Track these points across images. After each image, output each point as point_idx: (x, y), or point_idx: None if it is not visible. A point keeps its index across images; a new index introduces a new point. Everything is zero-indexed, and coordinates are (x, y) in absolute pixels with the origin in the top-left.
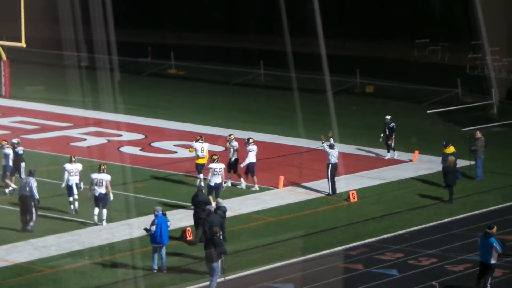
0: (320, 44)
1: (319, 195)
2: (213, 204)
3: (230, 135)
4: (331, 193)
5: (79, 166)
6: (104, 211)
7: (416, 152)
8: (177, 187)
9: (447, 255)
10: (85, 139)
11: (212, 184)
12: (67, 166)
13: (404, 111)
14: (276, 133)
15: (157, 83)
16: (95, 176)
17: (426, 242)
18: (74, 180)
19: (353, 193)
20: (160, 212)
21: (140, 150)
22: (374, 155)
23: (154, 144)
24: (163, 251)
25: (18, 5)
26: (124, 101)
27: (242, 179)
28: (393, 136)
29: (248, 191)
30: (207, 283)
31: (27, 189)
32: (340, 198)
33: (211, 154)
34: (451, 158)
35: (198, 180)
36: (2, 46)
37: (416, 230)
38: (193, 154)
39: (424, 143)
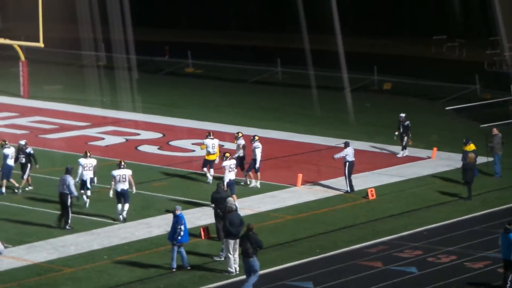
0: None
1: (338, 192)
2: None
3: (238, 132)
4: (349, 190)
5: (93, 161)
6: (126, 205)
7: (435, 149)
8: (196, 185)
9: (467, 252)
10: (103, 138)
11: (227, 180)
12: (82, 160)
13: (421, 108)
14: (293, 131)
15: (175, 82)
16: (117, 172)
17: (445, 239)
18: (88, 174)
19: (371, 190)
20: (180, 211)
21: (158, 148)
22: (392, 153)
23: (172, 143)
24: (182, 249)
25: (36, 5)
26: (142, 100)
27: (252, 179)
28: (408, 134)
29: (266, 189)
30: (226, 281)
31: (65, 186)
32: (358, 195)
33: (223, 151)
34: (471, 155)
35: (209, 177)
36: (20, 46)
37: (435, 227)
38: (205, 151)
39: (443, 139)
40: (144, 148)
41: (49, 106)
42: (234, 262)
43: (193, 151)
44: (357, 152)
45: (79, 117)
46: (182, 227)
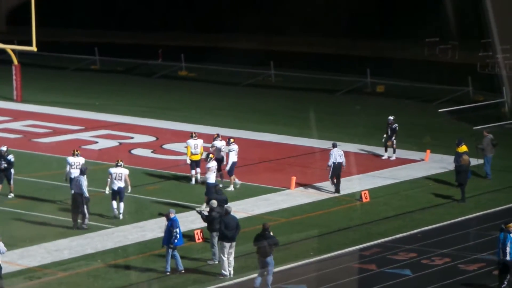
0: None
1: (331, 195)
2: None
3: (216, 134)
4: (334, 190)
5: (81, 160)
6: (121, 204)
7: (428, 151)
8: (189, 189)
9: (461, 254)
10: (96, 142)
11: (212, 181)
12: (70, 159)
13: (415, 110)
14: (287, 133)
15: (168, 85)
16: (114, 170)
17: (439, 242)
18: (75, 172)
19: (365, 193)
20: (174, 215)
21: (152, 152)
22: (385, 155)
23: (166, 146)
24: (177, 252)
25: (28, 9)
26: (135, 103)
27: (231, 181)
28: (394, 137)
29: (259, 192)
30: (221, 284)
31: (78, 187)
32: (352, 198)
33: (209, 152)
34: (465, 157)
35: (193, 178)
36: (13, 50)
37: (429, 230)
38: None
39: (436, 141)
40: (137, 151)
41: (42, 110)
42: (229, 265)
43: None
44: (350, 154)
45: (72, 121)
46: (177, 230)
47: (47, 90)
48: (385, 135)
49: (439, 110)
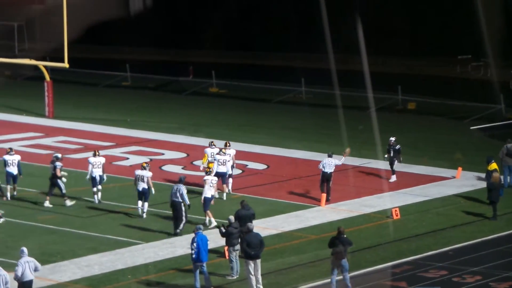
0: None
1: (362, 212)
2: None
3: (226, 143)
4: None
5: (102, 160)
6: (146, 204)
7: (460, 168)
8: (220, 205)
9: (492, 272)
10: (127, 158)
11: (209, 196)
12: (91, 159)
13: (446, 127)
14: (318, 150)
15: (199, 102)
16: (138, 172)
17: (470, 259)
18: (97, 172)
19: (396, 210)
20: (201, 231)
21: (182, 168)
22: (417, 172)
23: (196, 163)
24: (205, 269)
25: (61, 25)
26: (166, 119)
27: (223, 190)
28: (399, 158)
29: (290, 208)
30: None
31: (178, 195)
32: (383, 215)
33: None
34: (496, 174)
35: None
36: (46, 67)
37: (460, 247)
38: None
39: (467, 159)
40: (168, 167)
41: (74, 126)
42: (257, 282)
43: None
44: (381, 172)
45: (103, 137)
46: (196, 245)
47: (78, 106)
48: (386, 156)
49: (471, 128)
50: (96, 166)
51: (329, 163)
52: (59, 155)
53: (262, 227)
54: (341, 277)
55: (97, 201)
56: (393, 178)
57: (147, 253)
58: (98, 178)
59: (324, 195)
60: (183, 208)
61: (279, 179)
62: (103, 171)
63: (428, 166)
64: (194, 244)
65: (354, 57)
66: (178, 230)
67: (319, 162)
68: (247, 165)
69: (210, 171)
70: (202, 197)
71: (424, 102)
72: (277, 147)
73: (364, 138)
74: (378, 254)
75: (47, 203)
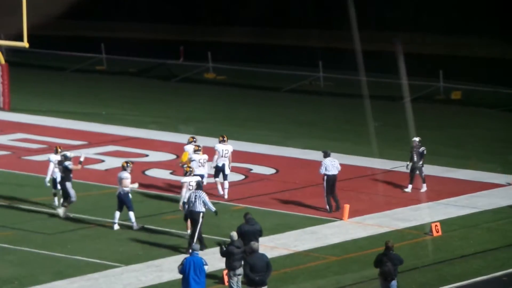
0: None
1: (394, 227)
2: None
3: (222, 135)
4: (328, 210)
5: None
6: (131, 213)
7: None
8: (217, 219)
9: None
10: (102, 161)
11: (186, 199)
12: (52, 157)
13: (498, 122)
14: (339, 150)
15: (191, 90)
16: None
17: None
18: (59, 172)
19: (436, 225)
20: (197, 252)
21: (171, 173)
22: (463, 178)
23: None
24: None
25: None
26: (151, 113)
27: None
28: (422, 163)
29: (305, 223)
30: None
31: (199, 203)
32: (420, 231)
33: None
34: None
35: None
36: (0, 47)
37: None
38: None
39: None
40: (153, 172)
41: (35, 121)
42: None
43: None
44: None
45: (72, 134)
46: (189, 270)
47: (41, 96)
48: (409, 162)
49: None
50: (58, 164)
51: (333, 164)
52: (68, 153)
53: (270, 246)
54: None
55: (57, 206)
56: (409, 187)
57: (127, 278)
58: (59, 179)
59: (346, 206)
60: (201, 220)
61: (290, 187)
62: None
63: (476, 171)
64: (180, 267)
65: (384, 35)
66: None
67: (341, 165)
68: (251, 170)
69: (191, 171)
70: (181, 203)
71: (471, 91)
72: (288, 146)
73: (397, 136)
74: (414, 279)
75: (61, 212)
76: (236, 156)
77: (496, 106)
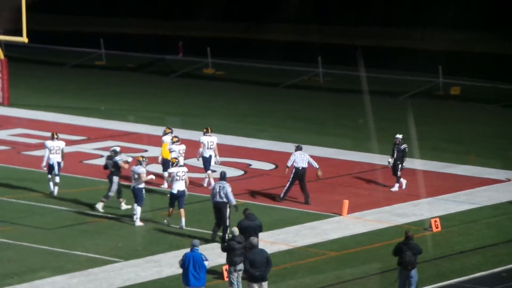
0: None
1: (393, 223)
2: None
3: (207, 128)
4: (281, 197)
5: (61, 144)
6: (138, 208)
7: None
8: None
9: None
10: (101, 156)
11: (175, 191)
12: (48, 143)
13: (499, 118)
14: (338, 146)
15: (190, 86)
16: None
17: None
18: (55, 158)
19: (435, 221)
20: (197, 247)
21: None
22: (462, 174)
23: (187, 161)
24: None
25: None
26: (150, 108)
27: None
28: (403, 162)
29: (304, 218)
30: None
31: (222, 194)
32: (419, 227)
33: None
34: None
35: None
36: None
37: None
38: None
39: None
40: (152, 167)
41: (35, 116)
42: None
43: (214, 171)
44: (417, 172)
45: (72, 129)
46: (189, 266)
47: (40, 91)
48: (390, 160)
49: None
50: (54, 151)
51: (302, 158)
52: (118, 149)
53: (270, 241)
54: None
55: (55, 193)
56: (396, 187)
57: (127, 273)
58: (56, 166)
59: (346, 202)
60: (228, 210)
61: None
62: (62, 158)
63: (475, 166)
64: (181, 262)
65: (384, 30)
66: (218, 237)
67: (340, 161)
68: (250, 165)
69: (177, 162)
70: (170, 194)
71: (471, 86)
72: (287, 142)
73: (396, 132)
74: None
75: (123, 206)
76: (235, 151)
77: (495, 101)
